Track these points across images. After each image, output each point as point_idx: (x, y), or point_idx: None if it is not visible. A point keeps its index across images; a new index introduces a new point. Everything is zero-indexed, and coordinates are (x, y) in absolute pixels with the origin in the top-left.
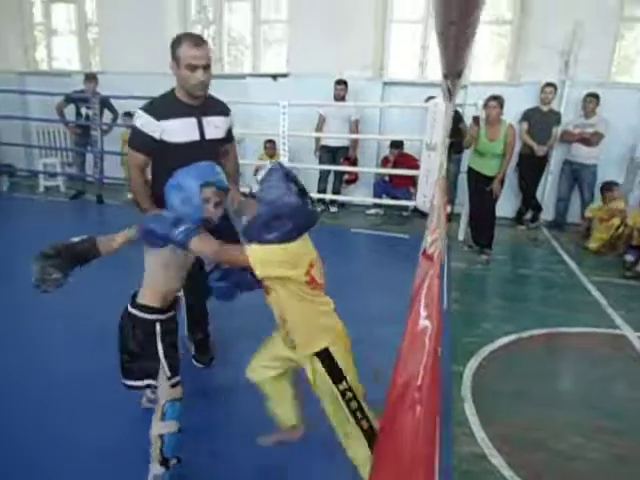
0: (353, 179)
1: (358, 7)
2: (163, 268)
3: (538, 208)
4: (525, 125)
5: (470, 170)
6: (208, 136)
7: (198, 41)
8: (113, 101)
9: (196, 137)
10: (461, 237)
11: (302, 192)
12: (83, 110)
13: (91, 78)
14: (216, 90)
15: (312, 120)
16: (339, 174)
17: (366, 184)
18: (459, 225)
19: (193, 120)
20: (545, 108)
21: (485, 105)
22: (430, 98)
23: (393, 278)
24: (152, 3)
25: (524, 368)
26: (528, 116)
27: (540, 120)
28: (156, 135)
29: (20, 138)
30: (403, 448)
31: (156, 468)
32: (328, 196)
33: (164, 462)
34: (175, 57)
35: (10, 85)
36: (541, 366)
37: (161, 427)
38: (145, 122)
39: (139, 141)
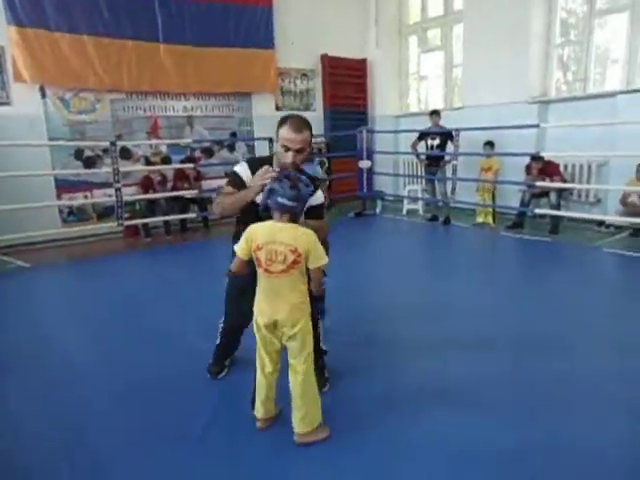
0: None
1: None
2: None
3: None
4: None
5: None
6: None
7: (298, 127)
8: (471, 132)
9: None
10: None
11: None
12: (429, 142)
13: (433, 114)
14: (578, 112)
15: None
16: None
17: None
18: None
19: None
20: None
21: None
22: None
23: None
24: (514, 36)
25: None
26: None
27: None
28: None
29: (391, 169)
30: None
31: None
32: None
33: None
34: (277, 133)
35: (388, 126)
36: None
37: None
38: (240, 169)
39: None
